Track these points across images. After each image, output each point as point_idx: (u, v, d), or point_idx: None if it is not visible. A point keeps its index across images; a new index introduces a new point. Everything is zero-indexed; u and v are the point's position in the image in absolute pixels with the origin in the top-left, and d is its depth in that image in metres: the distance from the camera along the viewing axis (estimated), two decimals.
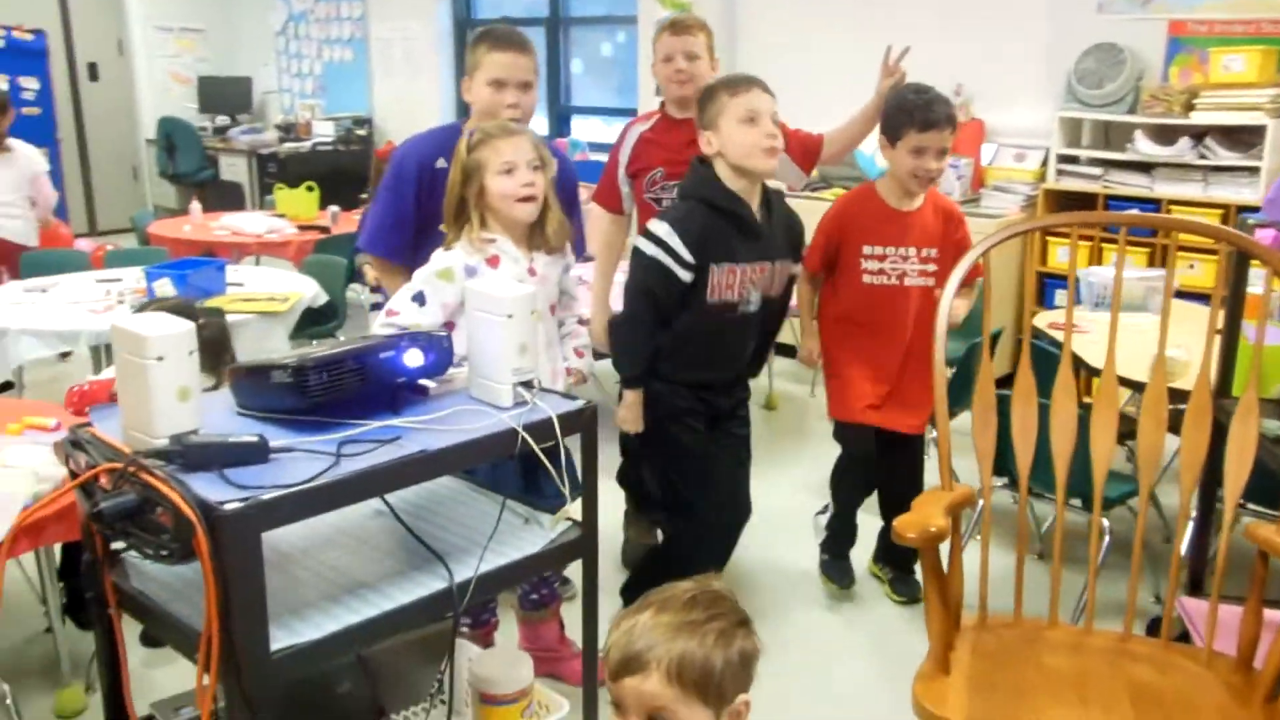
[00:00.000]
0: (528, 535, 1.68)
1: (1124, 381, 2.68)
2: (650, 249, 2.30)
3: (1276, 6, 4.11)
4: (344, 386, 1.54)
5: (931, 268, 2.61)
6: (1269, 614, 1.75)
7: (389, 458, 1.43)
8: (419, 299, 2.10)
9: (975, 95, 4.91)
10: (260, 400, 1.55)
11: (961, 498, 1.84)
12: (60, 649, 2.40)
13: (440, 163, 2.44)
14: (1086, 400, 3.00)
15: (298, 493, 1.32)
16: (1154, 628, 2.50)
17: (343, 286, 4.51)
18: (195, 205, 5.65)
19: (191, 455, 1.36)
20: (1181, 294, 3.47)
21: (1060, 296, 4.25)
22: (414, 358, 1.62)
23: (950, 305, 1.92)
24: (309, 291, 3.91)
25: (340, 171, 7.15)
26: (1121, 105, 4.32)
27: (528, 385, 1.64)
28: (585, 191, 5.31)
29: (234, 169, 7.93)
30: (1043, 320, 3.33)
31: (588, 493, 1.69)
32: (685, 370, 2.41)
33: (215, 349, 2.48)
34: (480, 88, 2.44)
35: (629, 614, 1.17)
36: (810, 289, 2.73)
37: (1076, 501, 2.66)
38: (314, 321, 4.25)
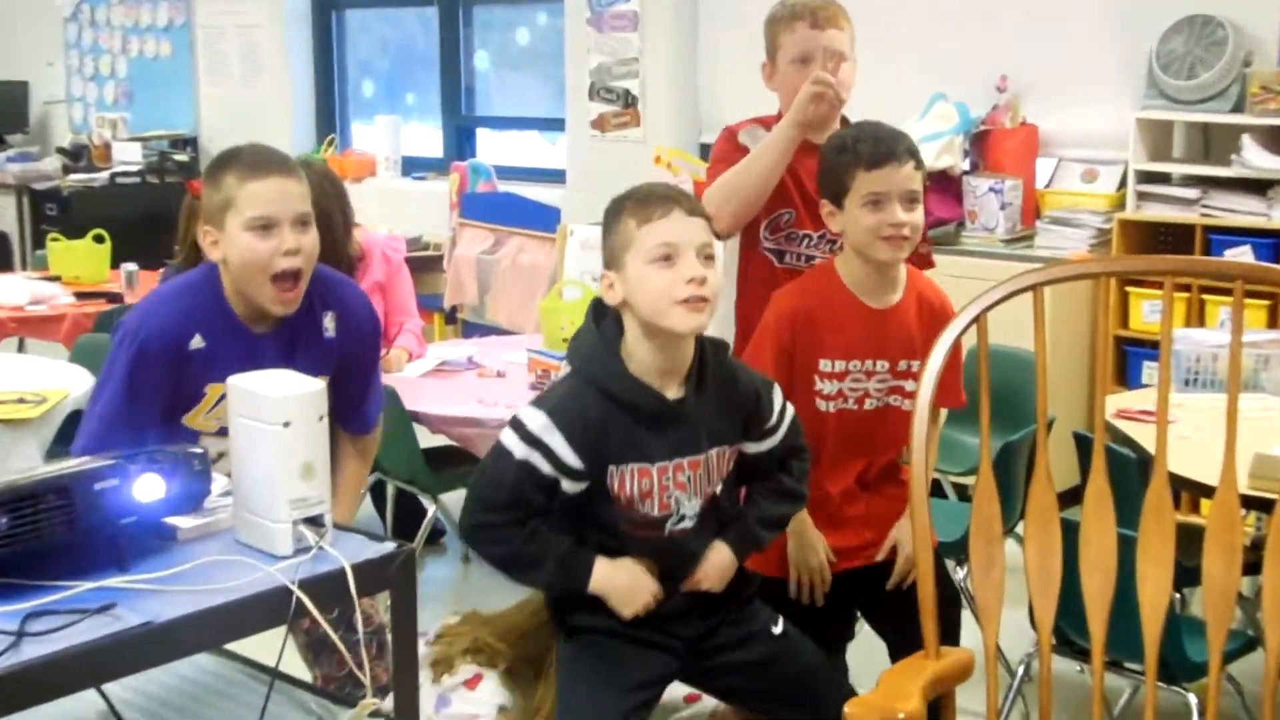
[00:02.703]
0: None
1: (1204, 490, 2.71)
2: (516, 447, 2.15)
3: None
4: (43, 532, 1.54)
5: (910, 385, 2.48)
6: None
7: (96, 636, 1.43)
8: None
9: (1026, 92, 5.04)
10: None
11: (953, 668, 1.85)
12: None
13: (196, 341, 2.40)
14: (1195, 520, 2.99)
15: None
16: None
17: None
18: None
19: None
20: None
21: (1148, 372, 4.31)
22: (149, 487, 1.63)
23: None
24: (77, 388, 3.89)
25: (149, 214, 7.22)
26: (1224, 100, 4.43)
27: (314, 522, 1.64)
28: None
29: None
30: (1109, 405, 3.35)
31: (406, 673, 1.68)
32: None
33: None
34: (237, 234, 2.35)
35: None
36: None
37: None
38: None
